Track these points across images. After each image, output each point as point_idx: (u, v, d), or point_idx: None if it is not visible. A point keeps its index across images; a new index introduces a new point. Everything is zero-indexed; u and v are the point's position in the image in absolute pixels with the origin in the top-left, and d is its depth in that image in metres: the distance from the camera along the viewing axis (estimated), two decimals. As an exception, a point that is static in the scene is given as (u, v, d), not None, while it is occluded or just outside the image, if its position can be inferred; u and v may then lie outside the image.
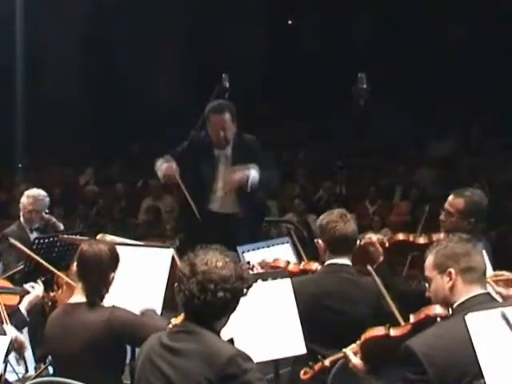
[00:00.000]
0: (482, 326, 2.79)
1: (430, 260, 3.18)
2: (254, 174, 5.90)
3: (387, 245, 4.63)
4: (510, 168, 11.83)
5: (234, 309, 3.06)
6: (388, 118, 12.75)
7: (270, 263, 4.63)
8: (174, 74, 14.01)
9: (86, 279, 3.88)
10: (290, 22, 16.53)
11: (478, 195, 4.81)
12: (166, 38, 14.78)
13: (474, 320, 2.82)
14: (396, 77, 13.13)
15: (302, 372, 3.55)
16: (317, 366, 3.48)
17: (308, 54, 14.68)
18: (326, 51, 14.56)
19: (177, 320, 3.27)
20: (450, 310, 3.09)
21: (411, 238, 4.74)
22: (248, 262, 4.54)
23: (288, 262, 4.70)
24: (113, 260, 3.91)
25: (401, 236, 4.80)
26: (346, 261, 4.26)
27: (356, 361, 3.33)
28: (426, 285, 3.21)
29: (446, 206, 4.77)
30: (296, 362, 3.98)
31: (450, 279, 3.09)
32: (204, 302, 2.96)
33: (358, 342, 3.39)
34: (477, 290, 3.07)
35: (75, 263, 3.97)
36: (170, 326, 3.26)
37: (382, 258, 4.52)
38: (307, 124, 14.56)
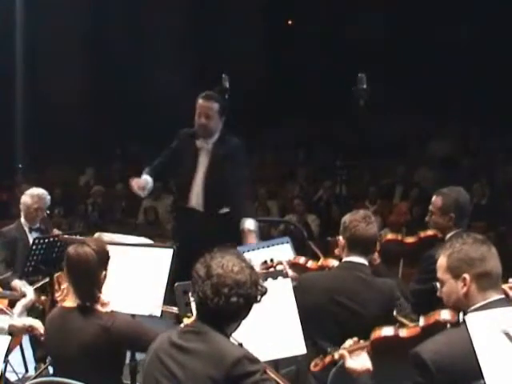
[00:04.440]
0: (482, 327, 2.78)
1: (442, 262, 3.06)
2: (250, 224, 5.86)
3: (378, 248, 4.77)
4: (510, 168, 11.83)
5: (246, 314, 3.06)
6: (388, 117, 12.76)
7: (291, 261, 4.66)
8: (174, 75, 14.00)
9: (76, 283, 3.83)
10: (289, 22, 16.53)
11: (455, 192, 4.96)
12: (166, 38, 14.77)
13: (473, 320, 2.82)
14: (396, 77, 13.13)
15: (312, 364, 3.56)
16: (327, 359, 3.48)
17: (308, 54, 14.68)
18: (326, 51, 14.55)
19: (189, 320, 3.28)
20: (462, 314, 3.02)
21: (399, 237, 5.10)
22: (271, 260, 4.54)
23: (307, 260, 4.75)
24: (101, 260, 3.83)
25: (389, 236, 5.17)
26: (362, 260, 4.28)
27: (351, 363, 3.29)
28: (438, 284, 3.11)
29: (429, 206, 4.98)
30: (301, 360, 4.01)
31: (465, 285, 2.96)
32: (217, 306, 2.96)
33: (361, 341, 3.39)
34: (492, 296, 2.95)
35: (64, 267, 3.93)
36: (182, 325, 3.27)
37: (378, 261, 4.69)
38: (307, 124, 14.56)
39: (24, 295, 4.74)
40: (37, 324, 4.17)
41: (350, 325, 3.98)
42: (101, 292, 3.86)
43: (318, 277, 4.35)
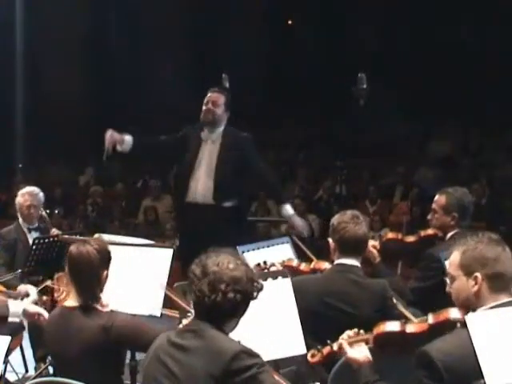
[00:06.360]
0: (482, 326, 2.78)
1: (455, 258, 3.01)
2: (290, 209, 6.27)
3: (379, 247, 4.84)
4: (510, 168, 11.83)
5: (244, 312, 3.07)
6: (388, 118, 12.76)
7: (284, 263, 4.64)
8: (174, 74, 14.01)
9: (78, 282, 3.81)
10: (290, 22, 16.54)
11: (459, 192, 4.94)
12: (166, 38, 14.77)
13: (474, 320, 2.82)
14: (396, 77, 13.13)
15: (309, 354, 3.53)
16: (325, 350, 3.44)
17: (308, 54, 14.68)
18: (326, 51, 14.56)
19: (188, 320, 3.28)
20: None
21: (400, 237, 5.06)
22: (264, 262, 4.52)
23: (300, 262, 4.73)
24: (103, 259, 3.83)
25: (390, 235, 5.14)
26: (354, 262, 4.26)
27: (353, 353, 3.29)
28: (447, 280, 3.08)
29: (432, 204, 4.97)
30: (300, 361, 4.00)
31: (476, 283, 2.93)
32: (214, 302, 2.97)
33: (361, 332, 3.37)
34: (503, 298, 2.91)
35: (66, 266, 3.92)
36: (181, 325, 3.26)
37: (378, 260, 4.73)
38: (307, 124, 14.56)
39: (27, 295, 4.73)
40: (45, 314, 4.19)
41: (344, 327, 3.96)
42: (102, 292, 3.86)
43: (309, 280, 4.30)
